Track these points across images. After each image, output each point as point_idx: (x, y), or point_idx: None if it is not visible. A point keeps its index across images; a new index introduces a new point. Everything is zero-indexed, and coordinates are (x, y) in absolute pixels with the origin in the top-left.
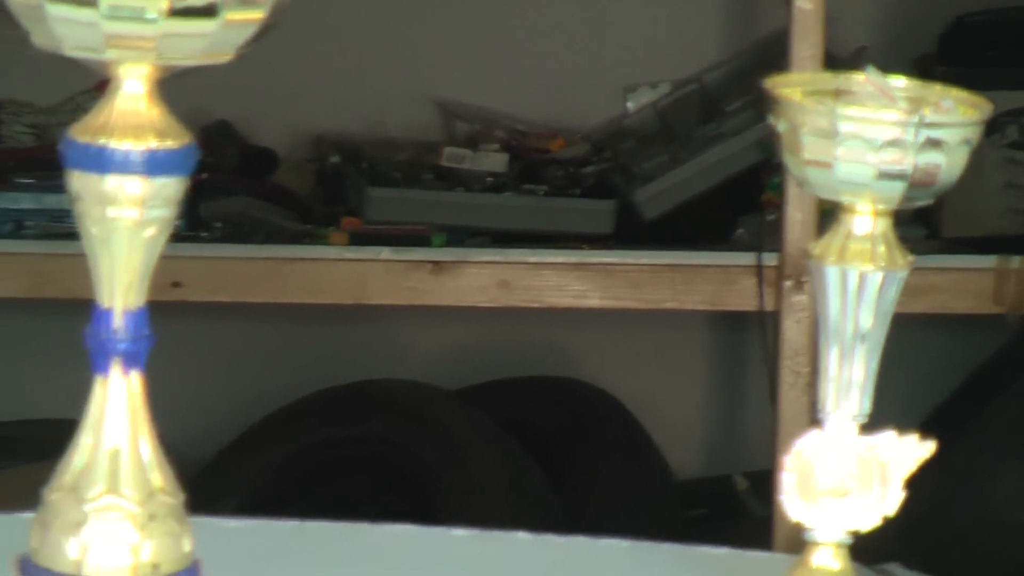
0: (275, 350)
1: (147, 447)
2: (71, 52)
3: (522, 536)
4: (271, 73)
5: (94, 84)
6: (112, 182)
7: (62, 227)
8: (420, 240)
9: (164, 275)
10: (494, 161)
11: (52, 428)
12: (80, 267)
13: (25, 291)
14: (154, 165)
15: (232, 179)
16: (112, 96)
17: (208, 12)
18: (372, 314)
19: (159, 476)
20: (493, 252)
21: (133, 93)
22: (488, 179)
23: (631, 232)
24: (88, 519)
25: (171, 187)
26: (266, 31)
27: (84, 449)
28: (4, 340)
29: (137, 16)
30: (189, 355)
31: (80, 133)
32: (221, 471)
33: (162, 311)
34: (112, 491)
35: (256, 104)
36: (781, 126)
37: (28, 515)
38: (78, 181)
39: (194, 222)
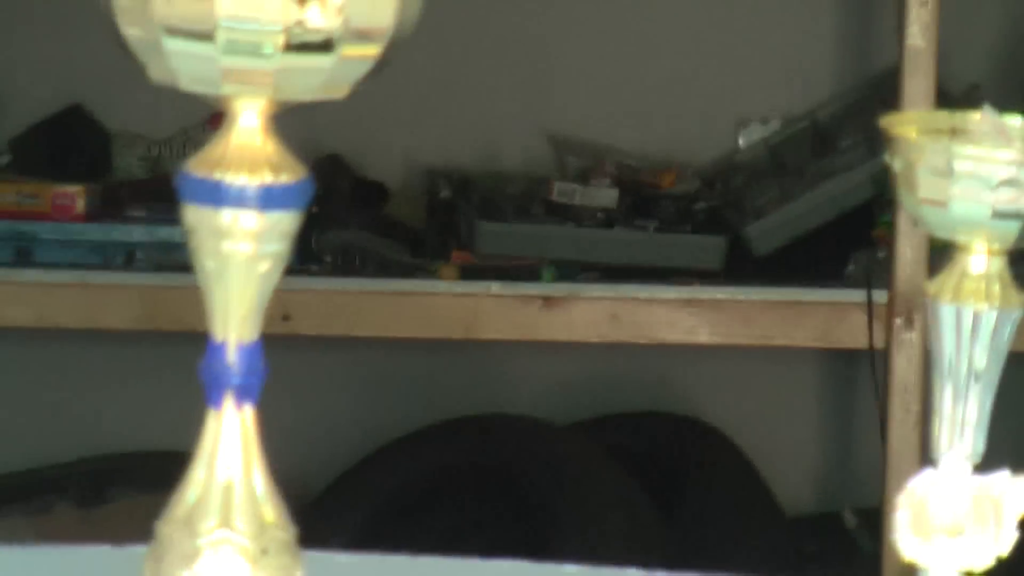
0: (384, 383)
1: (260, 481)
2: (187, 86)
3: (633, 573)
4: (383, 106)
5: (206, 117)
6: (227, 216)
7: (173, 259)
8: (531, 274)
9: (274, 308)
10: (605, 196)
11: (162, 459)
12: (190, 298)
13: (136, 322)
14: (269, 200)
15: (344, 212)
16: (228, 130)
17: (325, 48)
18: (481, 348)
19: (271, 510)
20: (604, 287)
21: (249, 127)
22: (599, 214)
23: (742, 268)
24: (201, 553)
25: (285, 222)
26: (382, 67)
27: (197, 483)
28: (115, 371)
29: (254, 51)
30: (299, 387)
31: (196, 167)
32: (332, 502)
33: (272, 344)
34: (225, 525)
35: (368, 137)
36: (896, 164)
37: (140, 548)
38: (193, 215)
39: (305, 255)
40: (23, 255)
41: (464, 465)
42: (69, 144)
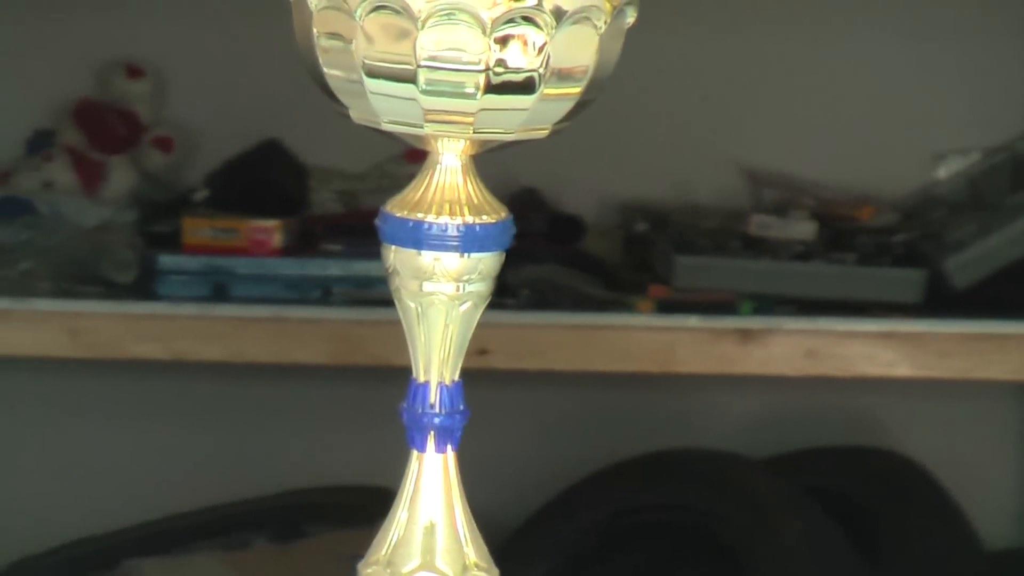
0: (581, 417)
1: (462, 522)
2: (388, 127)
3: None
4: (579, 140)
5: (402, 151)
6: (428, 257)
7: (370, 294)
8: (728, 308)
9: (471, 342)
10: (803, 229)
11: (358, 495)
12: (387, 334)
13: (332, 358)
14: (471, 241)
15: (539, 246)
16: (429, 171)
17: (526, 88)
18: (677, 382)
19: (473, 551)
20: (801, 321)
21: (450, 167)
22: (797, 247)
23: (941, 301)
24: None
25: (487, 262)
26: (582, 107)
27: (399, 524)
28: (311, 406)
29: (456, 91)
30: (496, 422)
31: (397, 208)
32: (531, 537)
33: (469, 378)
34: (427, 567)
35: (564, 171)
36: None
37: None
38: (394, 256)
39: (501, 289)
40: (219, 290)
41: (658, 500)
42: (265, 179)
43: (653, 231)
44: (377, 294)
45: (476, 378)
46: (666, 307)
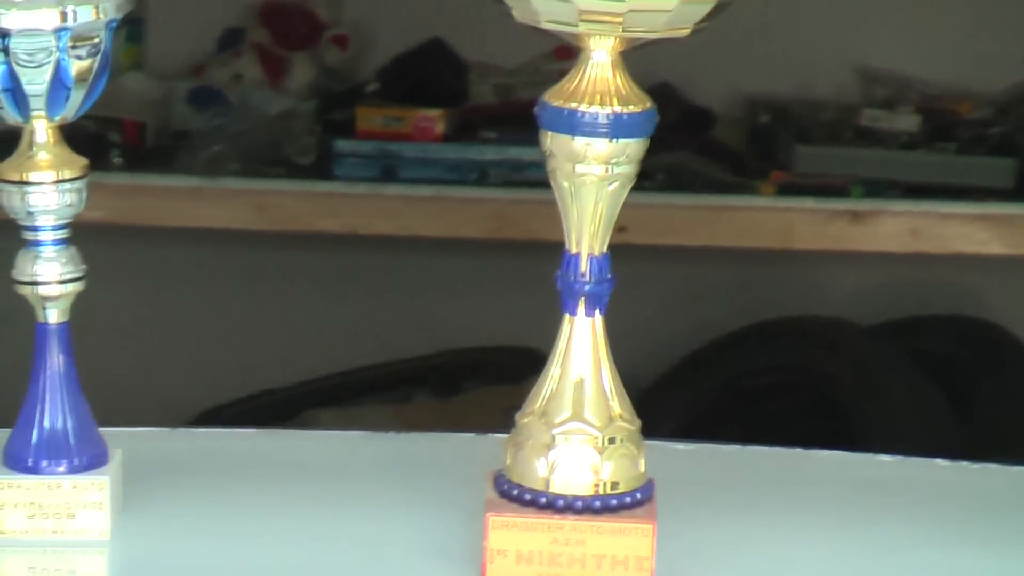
0: (709, 288)
1: (608, 378)
2: (547, 25)
3: (940, 462)
4: (710, 39)
5: (551, 48)
6: (581, 142)
7: (522, 176)
8: (841, 192)
9: None
10: (908, 121)
11: (510, 355)
12: (538, 212)
13: (490, 233)
14: (618, 128)
15: (673, 135)
16: (582, 65)
17: None
18: (796, 257)
19: (618, 404)
20: (906, 203)
21: (600, 62)
22: (903, 137)
23: None
24: (556, 442)
25: (633, 147)
26: (720, 10)
27: (553, 379)
28: (470, 277)
29: None
30: (635, 292)
31: (553, 98)
32: (666, 393)
33: (611, 253)
34: (577, 417)
35: (696, 67)
36: None
37: (499, 435)
38: (551, 141)
39: (639, 173)
40: (388, 172)
41: (778, 363)
42: (430, 73)
43: (775, 122)
44: (528, 176)
45: (616, 252)
46: (786, 190)
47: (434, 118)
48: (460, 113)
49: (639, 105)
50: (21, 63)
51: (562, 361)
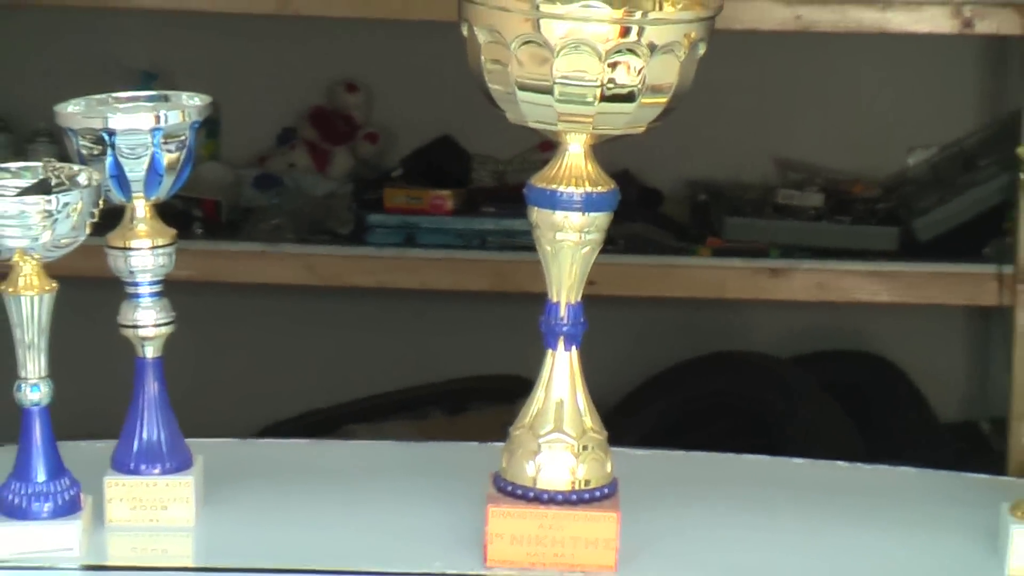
0: (661, 328)
1: (582, 399)
2: (533, 124)
3: (841, 464)
4: (659, 135)
5: (537, 144)
6: (560, 215)
7: (514, 242)
8: (762, 253)
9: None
10: (815, 199)
11: (506, 381)
12: (526, 270)
13: (489, 286)
14: (589, 204)
15: (632, 210)
16: (561, 155)
17: (629, 98)
18: (727, 305)
19: (590, 419)
20: (814, 262)
21: (575, 153)
22: (810, 211)
23: (911, 250)
24: (541, 449)
25: (601, 219)
26: (668, 112)
27: (538, 400)
28: (474, 320)
29: (580, 100)
30: (602, 332)
31: (538, 181)
32: (627, 412)
33: (584, 301)
34: (558, 429)
35: (649, 157)
36: None
37: (496, 445)
38: (536, 214)
39: (606, 239)
40: (410, 239)
41: (717, 387)
42: (442, 162)
43: (710, 200)
44: (519, 242)
45: (588, 301)
46: (719, 252)
47: (445, 197)
48: (466, 193)
49: (606, 186)
50: (124, 155)
51: (546, 386)
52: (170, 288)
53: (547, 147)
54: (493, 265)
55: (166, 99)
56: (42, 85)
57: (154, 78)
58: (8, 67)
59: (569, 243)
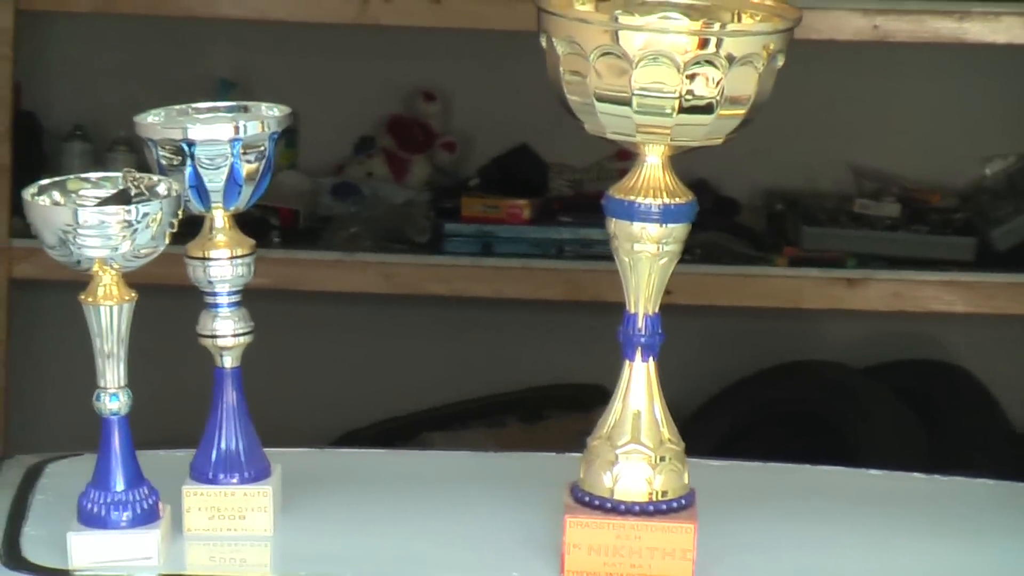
0: (736, 338)
1: (659, 410)
2: (611, 135)
3: (917, 476)
4: (736, 146)
5: (614, 152)
6: (638, 227)
7: (591, 251)
8: (838, 263)
9: None
10: (891, 209)
11: (582, 391)
12: (602, 279)
13: (565, 295)
14: (667, 215)
15: (709, 219)
16: (639, 166)
17: (707, 110)
18: (803, 314)
19: (667, 430)
20: (890, 272)
21: (653, 164)
22: (887, 221)
23: (987, 259)
24: (618, 459)
25: (679, 230)
26: (746, 123)
27: (616, 411)
28: (550, 329)
29: (659, 112)
30: (679, 343)
31: (616, 192)
32: (703, 421)
33: (661, 312)
34: (635, 440)
35: (726, 167)
36: None
37: (575, 455)
38: (614, 225)
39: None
40: (487, 248)
41: (792, 395)
42: (519, 171)
43: (787, 209)
44: (596, 252)
45: (665, 311)
46: (795, 262)
47: (522, 206)
48: (542, 202)
49: (684, 197)
50: (204, 166)
51: (623, 397)
52: (248, 297)
53: (624, 156)
54: (569, 274)
55: (245, 110)
56: (121, 94)
57: (233, 87)
58: (87, 75)
59: (647, 254)
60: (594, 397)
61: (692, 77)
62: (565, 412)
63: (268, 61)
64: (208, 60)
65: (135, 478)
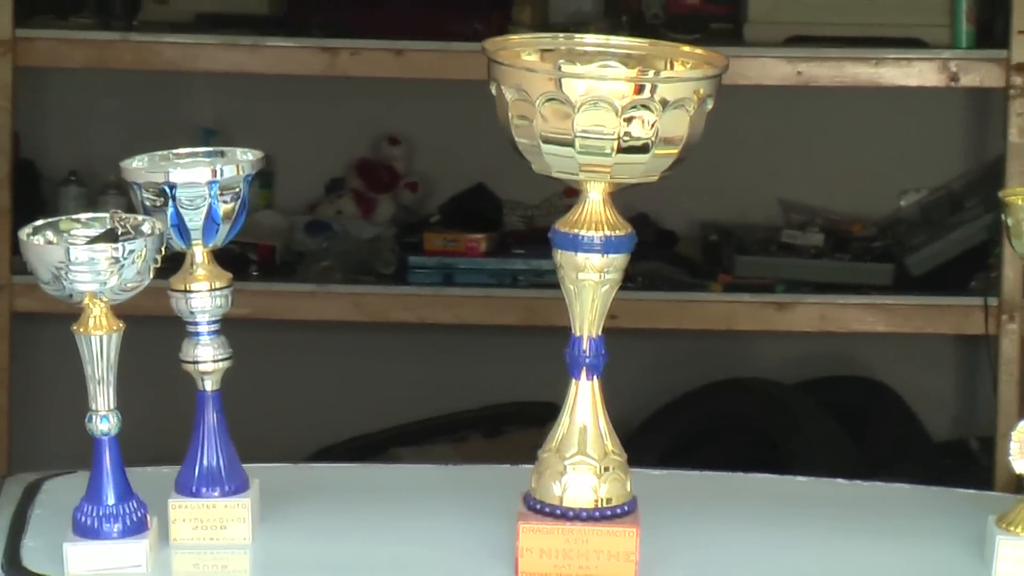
0: (676, 358)
1: (603, 424)
2: (556, 174)
3: (840, 481)
4: (673, 182)
5: (563, 189)
6: (582, 257)
7: (542, 280)
8: (769, 288)
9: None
10: (816, 239)
11: (538, 408)
12: (552, 306)
13: (520, 321)
14: (608, 246)
15: (649, 250)
16: (582, 202)
17: (643, 150)
18: (736, 335)
19: (611, 443)
20: (816, 296)
21: (595, 200)
22: (812, 250)
23: (904, 284)
24: (567, 470)
25: (619, 260)
26: (679, 162)
27: (564, 425)
28: (507, 352)
29: (599, 152)
30: (622, 363)
31: (562, 225)
32: (645, 434)
33: (605, 334)
34: (581, 452)
35: (664, 202)
36: (1008, 220)
37: (527, 466)
38: (560, 256)
39: (625, 277)
40: (447, 279)
41: (727, 411)
42: (476, 208)
43: (722, 240)
44: (547, 281)
45: (608, 334)
46: (730, 288)
47: (479, 240)
48: (498, 236)
49: (623, 230)
50: (184, 206)
51: (570, 412)
52: (228, 326)
53: (572, 193)
54: (524, 302)
55: (222, 155)
56: (112, 141)
57: (214, 134)
58: (80, 125)
59: (590, 282)
60: (549, 413)
61: (629, 120)
62: (523, 427)
63: (246, 110)
64: (191, 110)
65: (125, 493)
